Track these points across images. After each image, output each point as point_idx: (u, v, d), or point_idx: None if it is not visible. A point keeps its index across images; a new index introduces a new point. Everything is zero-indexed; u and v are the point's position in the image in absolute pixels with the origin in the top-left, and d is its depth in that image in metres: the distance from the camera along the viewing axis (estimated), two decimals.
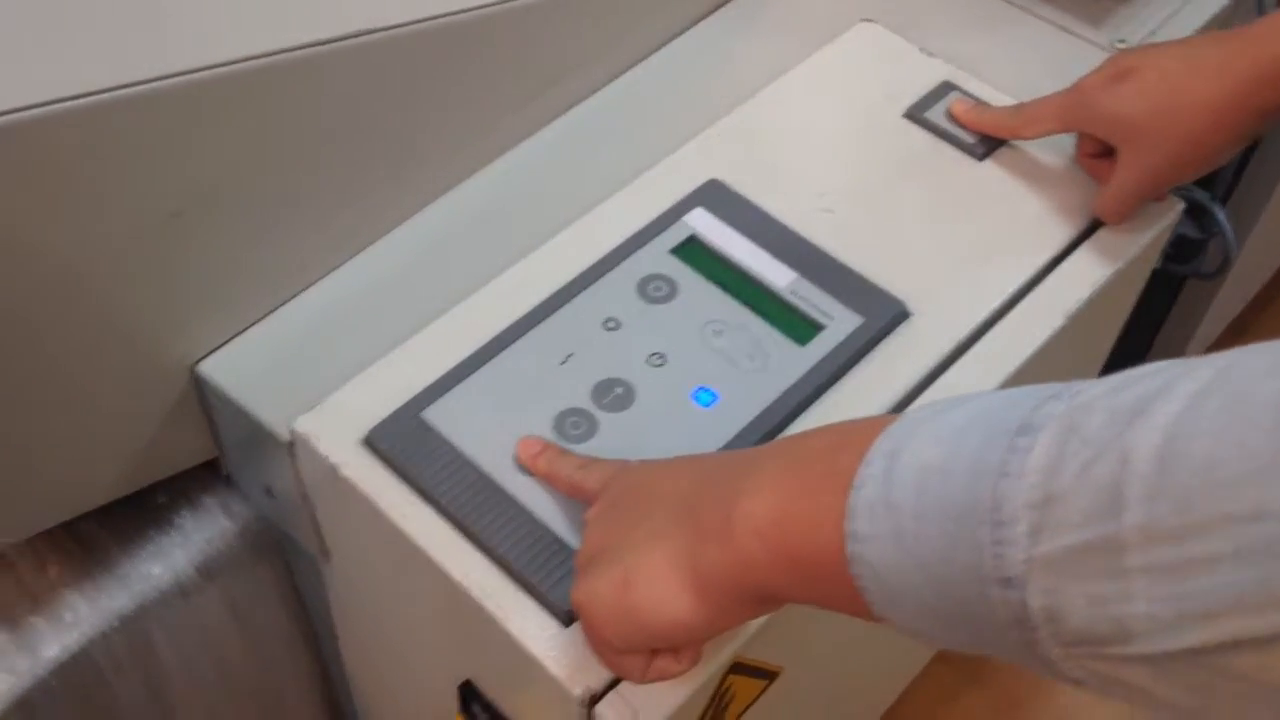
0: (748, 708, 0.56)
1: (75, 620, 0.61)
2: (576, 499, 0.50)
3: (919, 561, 0.32)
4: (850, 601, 0.35)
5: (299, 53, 0.50)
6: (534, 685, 0.49)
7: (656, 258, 0.60)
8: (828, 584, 0.35)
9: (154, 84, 0.47)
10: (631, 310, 0.58)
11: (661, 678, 0.43)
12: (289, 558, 0.67)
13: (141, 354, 0.56)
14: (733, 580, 0.38)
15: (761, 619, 0.47)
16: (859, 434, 0.35)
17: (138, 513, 0.63)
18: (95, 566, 0.61)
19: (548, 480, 0.51)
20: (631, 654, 0.42)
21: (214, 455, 0.63)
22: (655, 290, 0.59)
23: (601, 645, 0.42)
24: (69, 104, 0.45)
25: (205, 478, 0.64)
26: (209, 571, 0.63)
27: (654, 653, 0.42)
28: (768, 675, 0.55)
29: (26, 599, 0.61)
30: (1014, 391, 0.33)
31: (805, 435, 0.39)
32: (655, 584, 0.39)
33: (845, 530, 0.34)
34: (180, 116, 0.48)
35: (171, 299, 0.54)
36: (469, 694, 0.55)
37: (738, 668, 0.50)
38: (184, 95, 0.48)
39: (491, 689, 0.54)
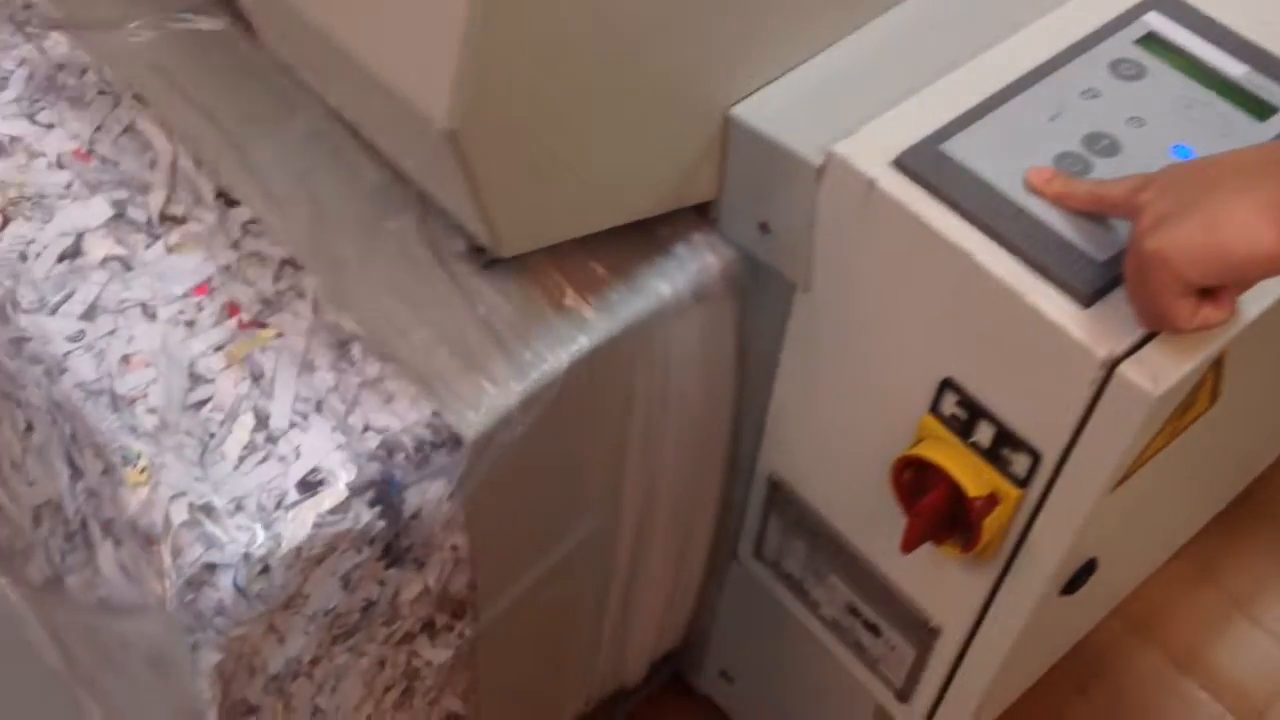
0: (1189, 425, 0.65)
1: (587, 326, 0.73)
2: (1094, 209, 0.60)
3: None
4: None
5: None
6: (1043, 361, 0.60)
7: (1123, 46, 0.69)
8: None
9: None
10: (1107, 84, 0.67)
11: (1204, 325, 0.53)
12: (740, 306, 0.79)
13: (692, 97, 0.68)
14: None
15: None
16: None
17: (647, 240, 0.75)
18: (617, 279, 0.74)
19: (1061, 199, 0.61)
20: (1185, 300, 0.52)
21: (711, 198, 0.75)
22: (1126, 70, 0.68)
23: (1170, 287, 0.52)
24: None
25: (695, 220, 0.77)
26: (698, 296, 0.75)
27: (1200, 302, 0.52)
28: (1214, 399, 0.65)
29: (553, 302, 0.74)
30: None
31: None
32: (1245, 222, 0.49)
33: None
34: None
35: (723, 46, 0.66)
36: (947, 389, 0.66)
37: (1216, 365, 0.60)
38: None
39: (975, 381, 0.65)
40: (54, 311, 0.70)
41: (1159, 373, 0.56)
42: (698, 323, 0.77)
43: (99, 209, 0.75)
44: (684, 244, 0.76)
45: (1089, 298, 0.58)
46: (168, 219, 0.75)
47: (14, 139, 0.78)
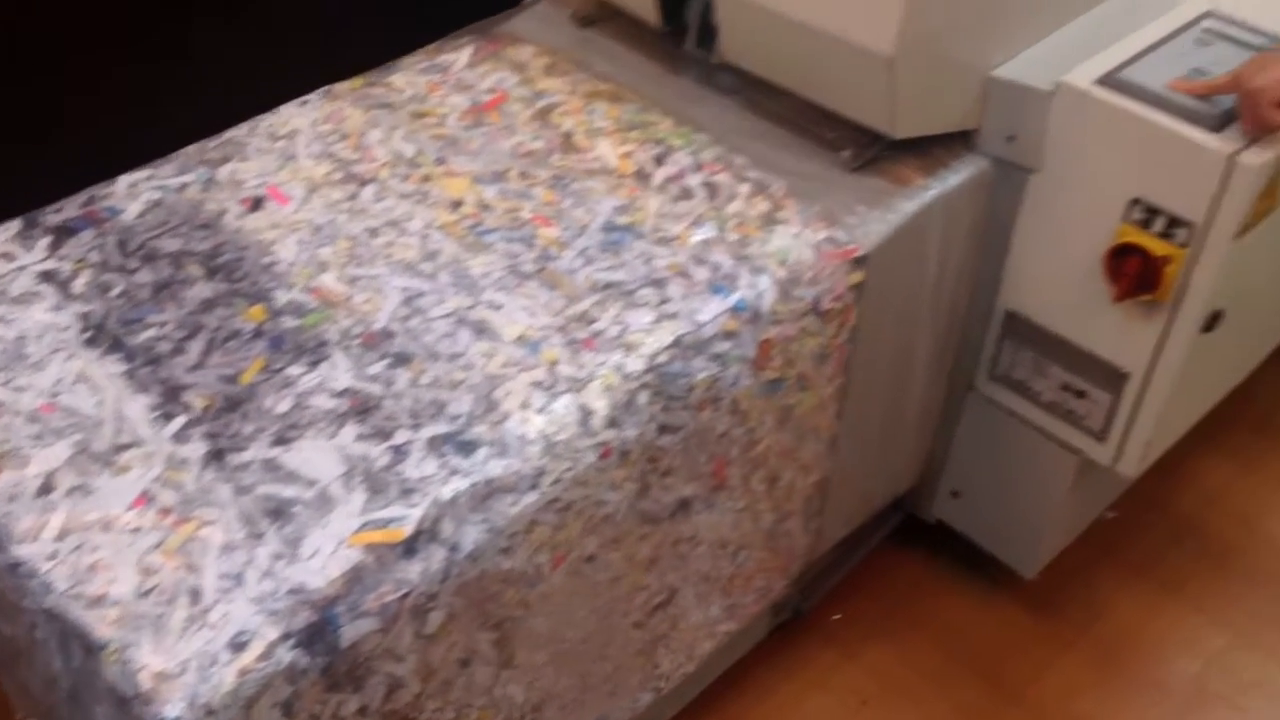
0: (1269, 210, 1.20)
1: (907, 202, 1.28)
2: (1208, 93, 1.17)
3: None
4: None
5: None
6: (1193, 167, 1.14)
7: (1197, 32, 1.27)
8: None
9: None
10: (1192, 49, 1.25)
11: None
12: (990, 195, 1.33)
13: (976, 67, 1.25)
14: None
15: None
16: None
17: (933, 159, 1.31)
18: (920, 181, 1.29)
19: (1190, 91, 1.18)
20: (1275, 110, 1.07)
21: (974, 126, 1.30)
22: (1201, 42, 1.26)
23: (1266, 104, 1.07)
24: None
25: (961, 145, 1.32)
26: (964, 191, 1.30)
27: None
28: None
29: (888, 190, 1.28)
30: None
31: None
32: None
33: None
34: None
35: (993, 43, 1.24)
36: (1135, 204, 1.21)
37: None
38: None
39: (1152, 193, 1.19)
40: (35, 539, 0.89)
41: (1257, 157, 1.11)
42: (964, 207, 1.32)
43: (62, 451, 0.94)
44: (955, 159, 1.32)
45: (1216, 128, 1.15)
46: (119, 447, 0.95)
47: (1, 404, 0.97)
